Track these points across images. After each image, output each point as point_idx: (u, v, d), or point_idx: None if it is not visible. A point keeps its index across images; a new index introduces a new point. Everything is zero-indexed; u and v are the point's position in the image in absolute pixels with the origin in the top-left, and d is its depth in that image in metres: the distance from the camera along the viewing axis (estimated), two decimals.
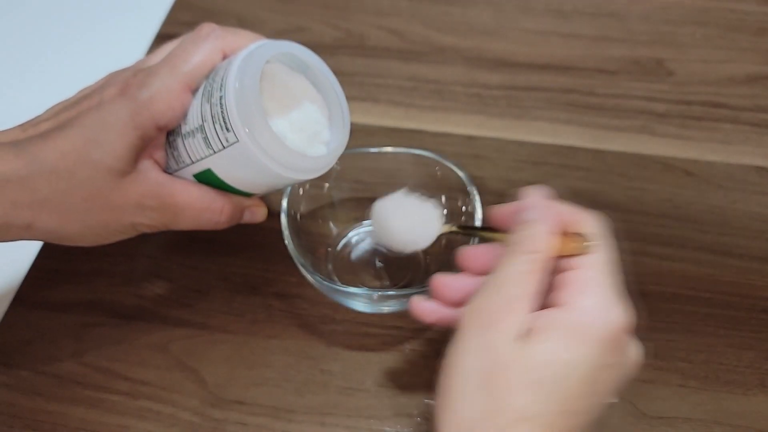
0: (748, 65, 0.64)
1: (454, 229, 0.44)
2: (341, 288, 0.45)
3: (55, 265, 0.52)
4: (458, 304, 0.39)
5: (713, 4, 0.69)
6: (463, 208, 0.49)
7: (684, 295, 0.51)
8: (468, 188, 0.49)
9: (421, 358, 0.48)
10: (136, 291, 0.51)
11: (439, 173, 0.50)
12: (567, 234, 0.36)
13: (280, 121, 0.40)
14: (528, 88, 0.63)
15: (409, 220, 0.44)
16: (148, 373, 0.47)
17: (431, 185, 0.51)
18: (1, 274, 0.52)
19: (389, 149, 0.52)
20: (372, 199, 0.52)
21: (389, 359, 0.48)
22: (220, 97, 0.38)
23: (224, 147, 0.39)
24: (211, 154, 0.40)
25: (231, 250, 0.53)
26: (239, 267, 0.52)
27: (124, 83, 0.40)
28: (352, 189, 0.53)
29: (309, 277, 0.46)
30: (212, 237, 0.53)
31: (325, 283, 0.45)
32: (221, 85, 0.38)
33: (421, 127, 0.60)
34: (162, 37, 0.67)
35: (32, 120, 0.43)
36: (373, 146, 0.52)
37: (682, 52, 0.65)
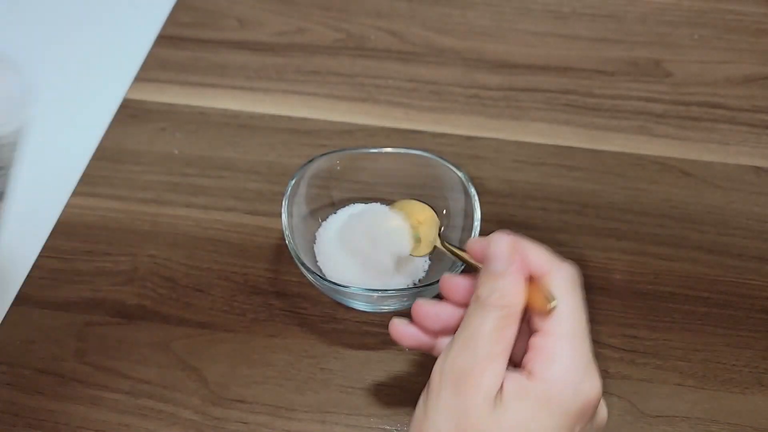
0: (746, 66, 0.65)
1: (437, 245, 0.44)
2: (341, 287, 0.46)
3: (57, 264, 0.52)
4: (437, 332, 0.39)
5: (711, 5, 0.69)
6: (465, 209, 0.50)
7: (682, 294, 0.51)
8: (467, 189, 0.49)
9: (421, 357, 0.48)
10: (137, 290, 0.51)
11: (438, 173, 0.51)
12: (536, 283, 0.35)
13: None
14: (527, 89, 0.63)
15: (371, 243, 0.46)
16: (149, 372, 0.47)
17: (430, 185, 0.51)
18: (3, 274, 0.52)
19: (389, 149, 0.52)
20: (372, 200, 0.53)
21: (389, 358, 0.48)
22: None
23: None
24: None
25: (232, 250, 0.53)
26: (240, 266, 0.52)
27: None
28: (351, 189, 0.53)
29: (309, 276, 0.46)
30: (213, 237, 0.54)
31: (326, 282, 0.46)
32: None
33: (421, 128, 0.60)
34: (163, 38, 0.67)
35: None
36: (373, 146, 0.52)
37: (679, 53, 0.66)
